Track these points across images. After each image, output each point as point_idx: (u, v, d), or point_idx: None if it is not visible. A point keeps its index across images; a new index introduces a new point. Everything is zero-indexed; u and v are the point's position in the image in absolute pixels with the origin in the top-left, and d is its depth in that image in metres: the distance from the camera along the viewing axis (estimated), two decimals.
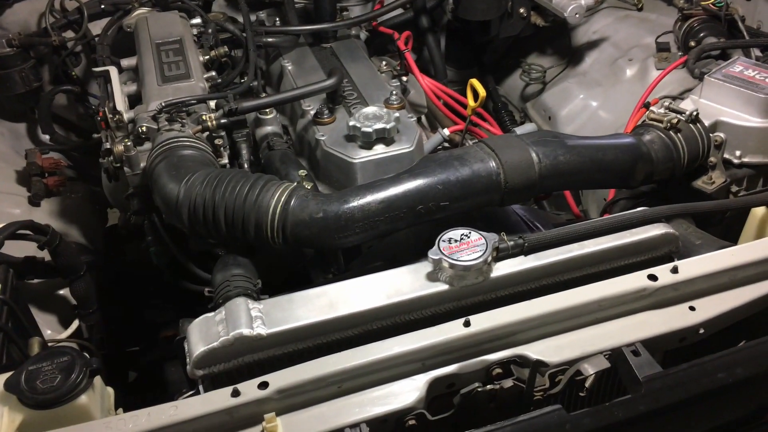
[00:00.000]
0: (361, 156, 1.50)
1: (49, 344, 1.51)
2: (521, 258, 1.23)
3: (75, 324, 1.61)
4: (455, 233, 1.20)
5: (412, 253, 1.42)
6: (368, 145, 1.50)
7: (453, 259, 1.16)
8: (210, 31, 1.80)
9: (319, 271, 1.54)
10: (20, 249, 1.48)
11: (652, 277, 1.19)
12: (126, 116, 1.55)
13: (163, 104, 1.48)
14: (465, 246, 1.19)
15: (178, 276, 1.61)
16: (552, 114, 2.22)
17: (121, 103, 1.58)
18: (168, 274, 1.61)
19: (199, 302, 1.63)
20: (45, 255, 1.53)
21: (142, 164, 1.46)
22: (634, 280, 1.19)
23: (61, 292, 1.66)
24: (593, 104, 2.14)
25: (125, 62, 1.77)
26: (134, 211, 1.54)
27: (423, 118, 1.96)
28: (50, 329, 1.60)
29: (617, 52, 2.20)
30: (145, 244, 1.63)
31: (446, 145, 1.83)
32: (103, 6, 2.05)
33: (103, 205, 2.06)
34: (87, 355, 1.10)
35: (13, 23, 2.08)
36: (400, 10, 2.21)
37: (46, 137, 2.09)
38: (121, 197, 1.57)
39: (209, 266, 1.60)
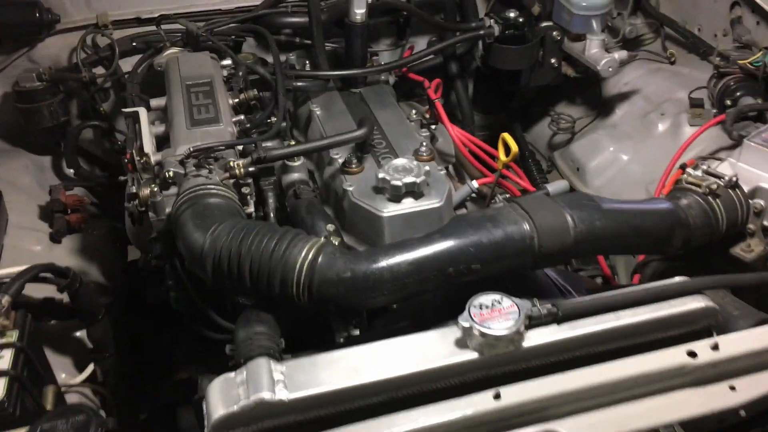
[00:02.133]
0: (389, 210, 1.46)
1: (63, 389, 1.49)
2: (554, 327, 1.19)
3: (90, 368, 1.57)
4: (486, 299, 1.16)
5: (438, 314, 1.39)
6: (397, 198, 1.47)
7: (484, 327, 1.12)
8: (240, 73, 1.79)
9: (340, 323, 1.50)
10: (39, 288, 1.46)
11: (692, 354, 1.14)
12: (153, 158, 1.53)
13: (191, 149, 1.46)
14: (497, 313, 1.15)
15: (197, 322, 1.58)
16: (580, 165, 2.19)
17: (149, 144, 1.57)
18: (188, 320, 1.58)
19: (214, 344, 1.60)
20: (64, 295, 1.51)
21: (168, 210, 1.44)
22: (673, 357, 1.14)
23: (78, 333, 1.63)
24: (624, 158, 2.10)
25: (154, 102, 1.76)
26: (156, 256, 1.51)
27: (450, 167, 1.93)
28: (65, 372, 1.57)
29: (648, 105, 2.17)
30: (164, 288, 1.60)
31: (474, 196, 1.81)
32: (134, 44, 2.05)
33: (124, 242, 2.05)
34: (103, 413, 1.07)
35: (45, 57, 2.08)
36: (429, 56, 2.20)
37: (70, 171, 2.09)
38: (143, 240, 1.55)
39: (229, 309, 1.58)
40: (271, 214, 1.56)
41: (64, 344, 1.60)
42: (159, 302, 1.89)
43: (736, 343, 1.16)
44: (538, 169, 2.30)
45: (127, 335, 1.82)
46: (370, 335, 1.38)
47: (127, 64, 2.05)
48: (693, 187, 1.45)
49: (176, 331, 1.83)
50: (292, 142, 1.62)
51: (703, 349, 1.15)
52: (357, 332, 1.48)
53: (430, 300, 1.38)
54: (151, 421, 1.97)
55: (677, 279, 1.28)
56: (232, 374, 1.12)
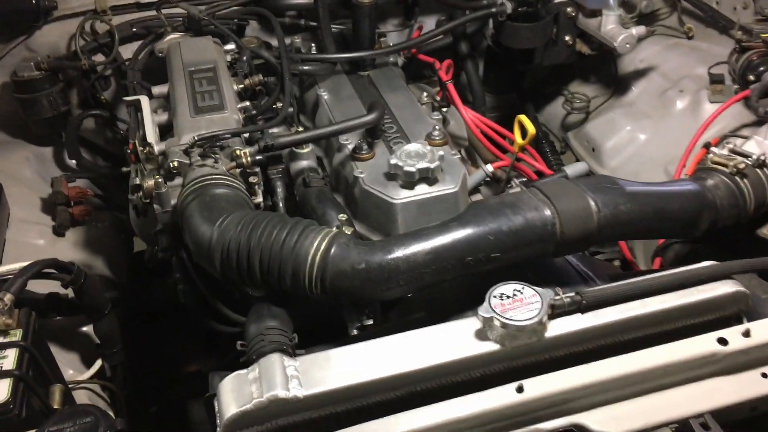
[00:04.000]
0: (402, 196, 1.41)
1: (70, 386, 1.45)
2: (578, 316, 1.14)
3: (98, 364, 1.54)
4: (507, 288, 1.11)
5: (455, 303, 1.34)
6: (410, 184, 1.42)
7: (506, 318, 1.07)
8: (245, 58, 1.73)
9: (353, 314, 1.45)
10: (43, 284, 1.42)
11: (722, 341, 1.09)
12: (156, 148, 1.48)
13: (195, 138, 1.41)
14: (518, 303, 1.10)
15: (206, 315, 1.55)
16: (596, 145, 2.12)
17: (151, 134, 1.52)
18: (197, 313, 1.54)
19: (223, 336, 1.56)
20: (69, 291, 1.47)
21: (173, 201, 1.39)
22: (703, 344, 1.09)
23: (84, 329, 1.60)
24: (641, 137, 2.04)
25: (156, 90, 1.71)
26: (162, 248, 1.47)
27: (462, 150, 1.87)
28: (72, 368, 1.53)
29: (666, 82, 2.10)
30: (172, 281, 1.56)
31: (488, 179, 1.75)
32: (134, 29, 1.99)
33: (129, 233, 2.00)
34: (111, 413, 1.03)
35: (42, 45, 2.02)
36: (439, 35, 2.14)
37: (72, 162, 2.04)
38: (149, 232, 1.50)
39: (238, 301, 1.54)
40: (281, 204, 1.51)
41: (71, 340, 1.57)
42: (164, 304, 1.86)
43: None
44: (552, 151, 2.24)
45: (134, 329, 1.77)
46: (385, 328, 1.34)
47: (127, 51, 1.99)
48: (719, 167, 1.39)
49: (184, 323, 1.80)
50: (300, 129, 1.56)
51: (733, 335, 1.10)
52: (370, 322, 1.44)
53: (447, 289, 1.33)
54: (161, 415, 1.94)
55: (705, 264, 1.23)
56: (244, 371, 1.08)
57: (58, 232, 1.78)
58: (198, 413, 1.79)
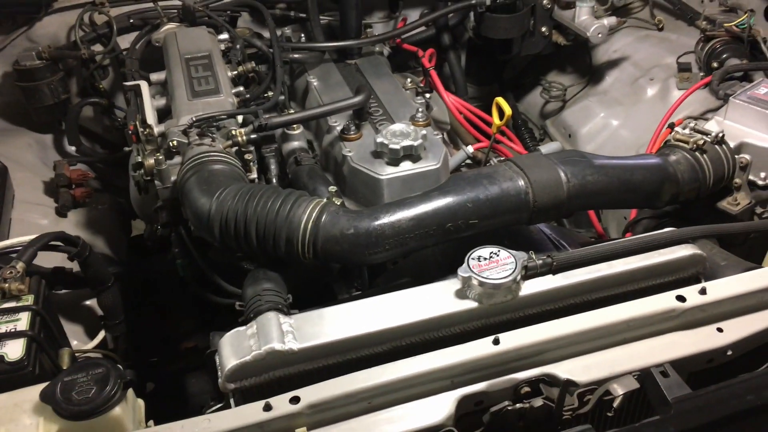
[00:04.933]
0: (388, 173, 1.51)
1: (77, 354, 1.53)
2: (549, 277, 1.24)
3: (101, 335, 1.62)
4: (484, 251, 1.21)
5: (438, 270, 1.44)
6: (395, 161, 1.51)
7: (482, 277, 1.17)
8: (238, 46, 1.82)
9: (343, 285, 1.55)
10: (49, 259, 1.50)
11: (681, 299, 1.19)
12: (156, 130, 1.57)
13: (193, 119, 1.50)
14: (494, 264, 1.20)
15: (204, 288, 1.63)
16: (572, 132, 2.24)
17: (151, 117, 1.60)
18: (194, 286, 1.63)
19: (219, 313, 1.65)
20: (73, 266, 1.55)
21: (173, 178, 1.48)
22: (663, 301, 1.19)
23: (88, 302, 1.68)
24: (614, 123, 2.15)
25: (154, 77, 1.80)
26: (163, 224, 1.56)
27: (445, 134, 1.97)
28: (77, 339, 1.61)
29: (638, 71, 2.22)
30: (171, 256, 1.64)
31: (469, 162, 1.85)
32: (131, 20, 2.08)
33: (127, 216, 2.09)
34: (120, 367, 1.11)
35: (43, 36, 2.11)
36: (422, 27, 2.24)
37: (72, 148, 2.12)
38: (149, 209, 1.59)
39: (233, 277, 1.62)
40: (274, 180, 1.60)
41: (76, 312, 1.64)
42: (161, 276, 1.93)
43: (722, 287, 1.22)
44: (531, 138, 2.35)
45: (133, 306, 1.86)
46: (372, 291, 1.44)
47: (124, 41, 2.07)
48: (681, 144, 1.50)
49: (181, 300, 1.88)
50: (291, 111, 1.65)
51: (691, 293, 1.20)
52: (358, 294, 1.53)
53: (430, 256, 1.43)
54: (158, 392, 2.02)
55: (666, 230, 1.33)
56: (242, 328, 1.17)
57: (61, 212, 1.87)
58: (194, 386, 1.86)
